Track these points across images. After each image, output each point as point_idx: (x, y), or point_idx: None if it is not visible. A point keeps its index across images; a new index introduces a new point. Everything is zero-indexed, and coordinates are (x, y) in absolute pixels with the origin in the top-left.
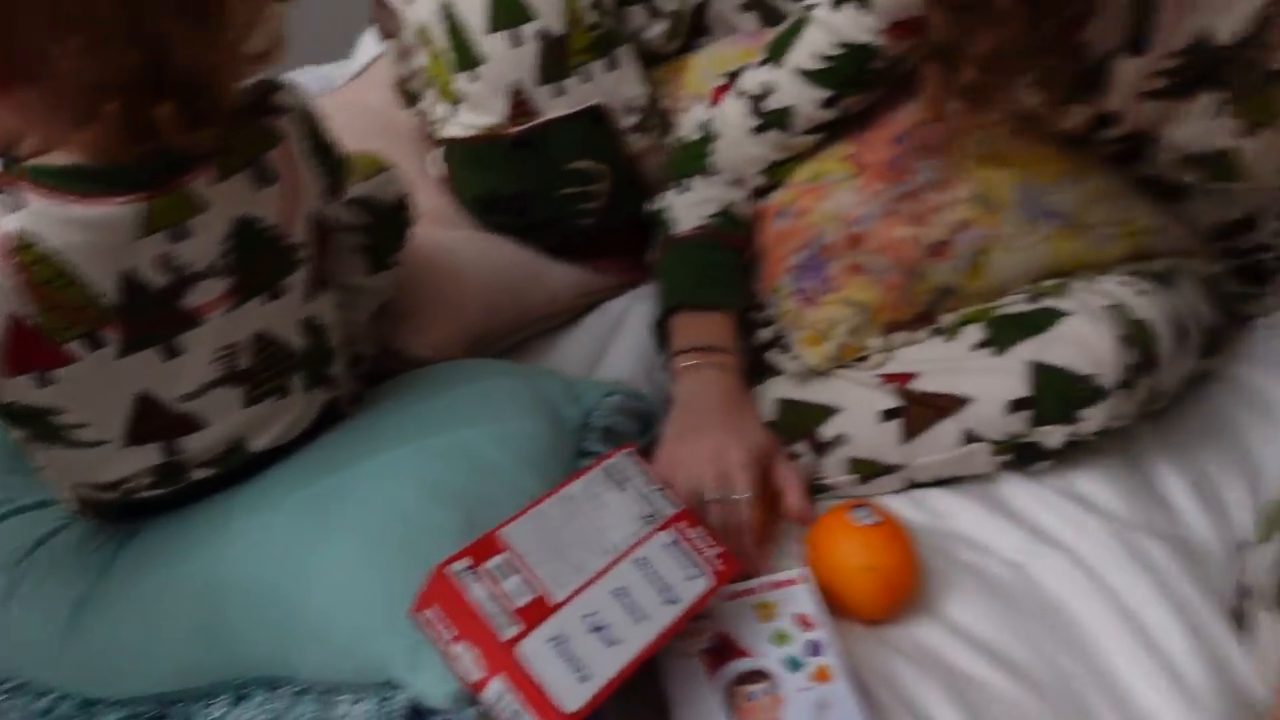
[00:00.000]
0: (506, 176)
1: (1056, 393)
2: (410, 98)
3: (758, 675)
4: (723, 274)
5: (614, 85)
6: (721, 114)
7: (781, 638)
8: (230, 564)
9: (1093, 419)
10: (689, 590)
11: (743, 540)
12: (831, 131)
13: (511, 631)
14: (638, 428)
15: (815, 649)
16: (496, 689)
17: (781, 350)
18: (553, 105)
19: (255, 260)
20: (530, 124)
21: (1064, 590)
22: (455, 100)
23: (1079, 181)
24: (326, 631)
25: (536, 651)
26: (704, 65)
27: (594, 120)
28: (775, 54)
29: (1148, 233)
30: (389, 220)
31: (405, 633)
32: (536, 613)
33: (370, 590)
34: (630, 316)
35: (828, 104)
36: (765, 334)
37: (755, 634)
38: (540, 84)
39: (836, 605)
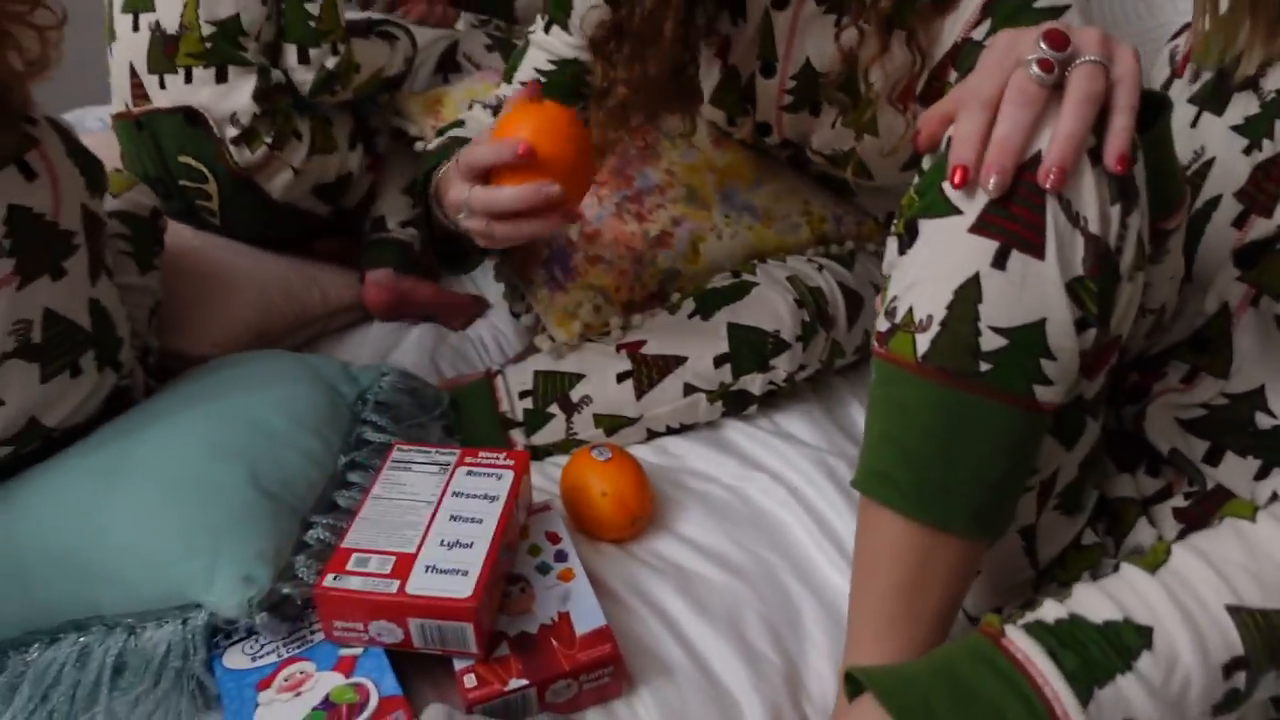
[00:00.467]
0: (142, 159)
1: (750, 347)
2: None
3: (516, 579)
4: None
5: (217, 97)
6: (471, 115)
7: (535, 550)
8: (26, 527)
9: (780, 367)
10: (501, 487)
11: None
12: None
13: (393, 586)
14: (416, 404)
15: (561, 557)
16: (417, 630)
17: (540, 332)
18: (157, 95)
19: (33, 244)
20: (143, 109)
21: (769, 503)
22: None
23: (767, 183)
24: (123, 569)
25: (420, 584)
26: (459, 98)
27: (190, 121)
28: (509, 73)
29: (826, 221)
30: (145, 228)
31: (200, 556)
32: (404, 566)
33: (162, 527)
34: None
35: None
36: (527, 319)
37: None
38: (149, 72)
39: (585, 526)
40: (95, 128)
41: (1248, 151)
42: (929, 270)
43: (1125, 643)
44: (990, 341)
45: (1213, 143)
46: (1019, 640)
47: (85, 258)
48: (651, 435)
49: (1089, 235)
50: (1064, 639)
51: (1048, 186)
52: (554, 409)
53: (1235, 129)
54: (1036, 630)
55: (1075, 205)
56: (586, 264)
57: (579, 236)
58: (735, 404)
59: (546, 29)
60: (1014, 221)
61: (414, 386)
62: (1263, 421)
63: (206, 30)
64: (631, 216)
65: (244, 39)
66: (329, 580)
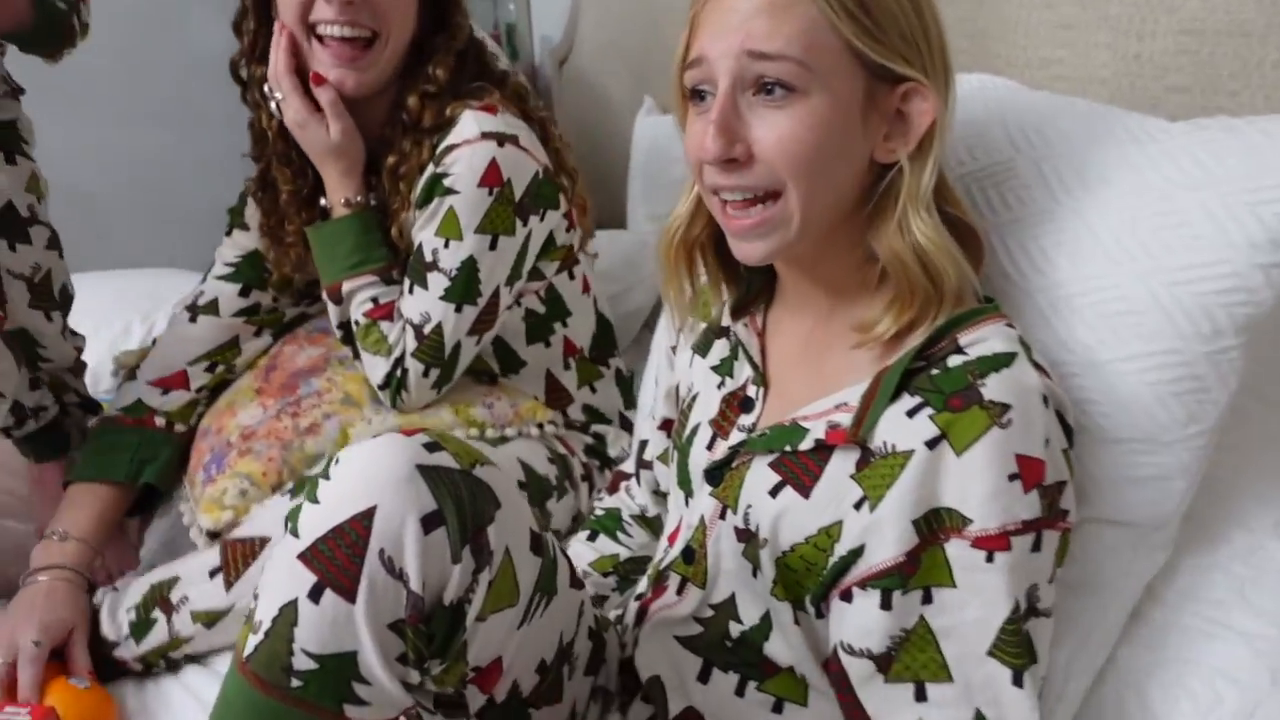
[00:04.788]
0: None
1: None
2: None
3: None
4: (109, 449)
5: None
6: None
7: None
8: None
9: None
10: None
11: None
12: (255, 319)
13: None
14: None
15: None
16: None
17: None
18: None
19: None
20: None
21: None
22: None
23: None
24: None
25: None
26: None
27: None
28: (207, 272)
29: (473, 405)
30: None
31: None
32: None
33: None
34: None
35: (242, 294)
36: (188, 519)
37: None
38: None
39: None
40: None
41: (719, 386)
42: (270, 577)
43: None
44: (302, 662)
45: (699, 380)
46: None
47: None
48: None
49: (410, 591)
50: None
51: None
52: (157, 613)
53: (713, 368)
54: None
55: (398, 562)
56: (237, 457)
57: (237, 437)
58: None
59: (229, 233)
60: (334, 563)
61: None
62: (734, 630)
63: None
64: (288, 416)
65: None
66: None
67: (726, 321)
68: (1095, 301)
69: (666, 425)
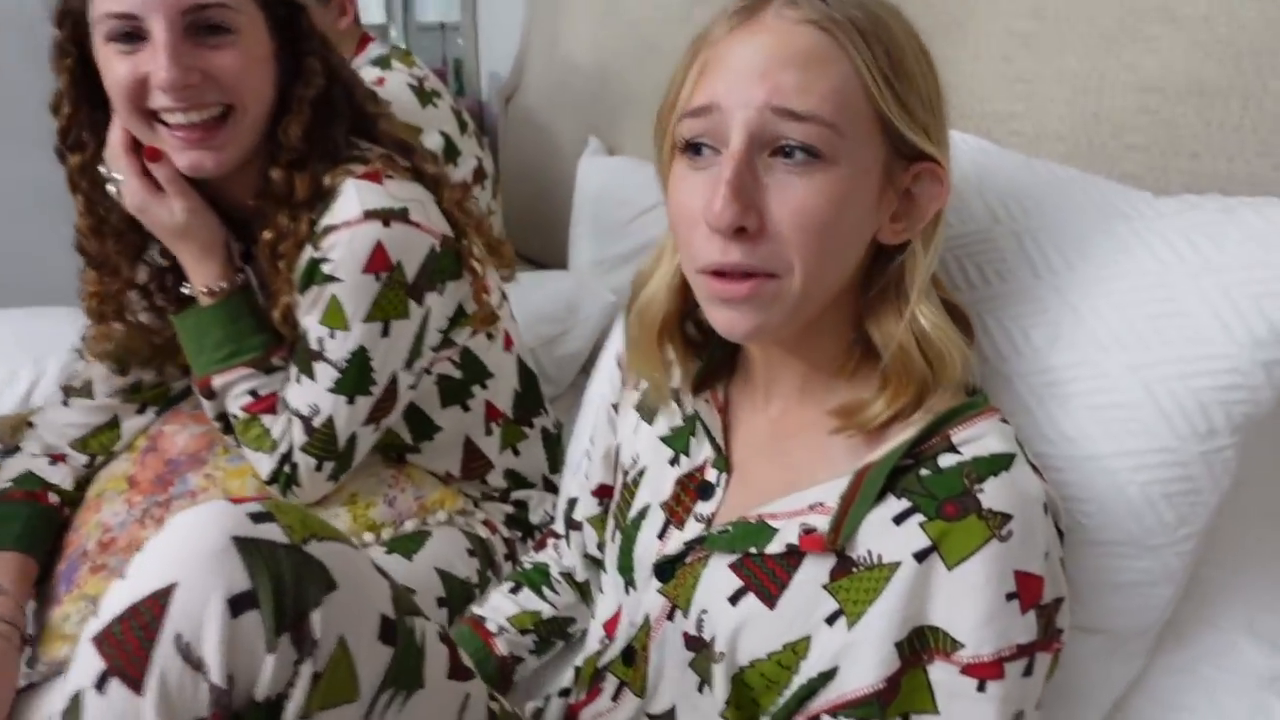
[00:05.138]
0: None
1: None
2: None
3: None
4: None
5: None
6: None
7: None
8: None
9: None
10: None
11: None
12: (137, 397)
13: None
14: None
15: None
16: None
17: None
18: None
19: None
20: None
21: None
22: None
23: None
24: None
25: None
26: None
27: None
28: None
29: (374, 505)
30: None
31: None
32: None
33: None
34: None
35: (120, 372)
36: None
37: None
38: None
39: None
40: None
41: (673, 463)
42: (73, 664)
43: None
44: None
45: (646, 451)
46: None
47: None
48: None
49: (212, 684)
50: None
51: None
52: None
53: (664, 439)
54: None
55: (197, 650)
56: (88, 574)
57: (94, 545)
58: None
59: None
60: (123, 648)
61: None
62: None
63: None
64: (154, 522)
65: None
66: None
67: (675, 384)
68: (1082, 391)
69: (601, 491)
